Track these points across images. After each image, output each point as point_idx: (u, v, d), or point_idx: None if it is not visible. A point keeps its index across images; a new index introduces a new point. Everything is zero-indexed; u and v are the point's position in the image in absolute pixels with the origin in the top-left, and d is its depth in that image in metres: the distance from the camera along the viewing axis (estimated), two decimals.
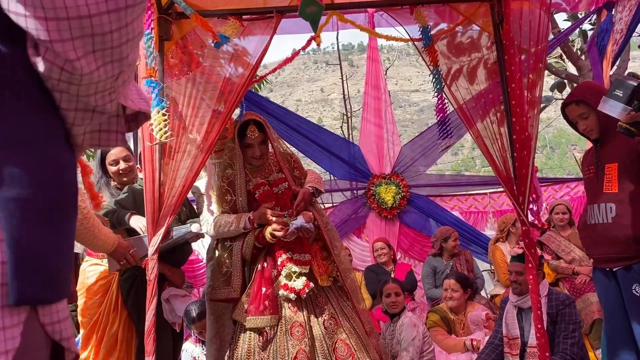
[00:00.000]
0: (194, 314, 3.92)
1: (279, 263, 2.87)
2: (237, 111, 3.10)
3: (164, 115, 2.39)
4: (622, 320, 2.60)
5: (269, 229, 2.82)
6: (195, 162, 2.58)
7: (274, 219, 2.82)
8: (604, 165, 2.66)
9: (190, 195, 3.31)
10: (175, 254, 2.94)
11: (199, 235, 3.21)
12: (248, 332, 2.82)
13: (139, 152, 3.33)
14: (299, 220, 2.79)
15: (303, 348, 2.74)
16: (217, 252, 3.06)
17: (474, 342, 3.96)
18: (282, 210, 2.91)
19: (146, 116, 0.95)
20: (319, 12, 2.27)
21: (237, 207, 2.95)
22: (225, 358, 2.94)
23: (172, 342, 3.28)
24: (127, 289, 2.99)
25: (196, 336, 3.87)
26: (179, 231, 2.84)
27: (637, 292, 2.51)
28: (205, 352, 3.52)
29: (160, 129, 2.36)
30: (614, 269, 2.61)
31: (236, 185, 2.96)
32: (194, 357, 3.87)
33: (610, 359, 2.70)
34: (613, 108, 2.28)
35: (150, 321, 2.36)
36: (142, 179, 3.00)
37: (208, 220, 3.03)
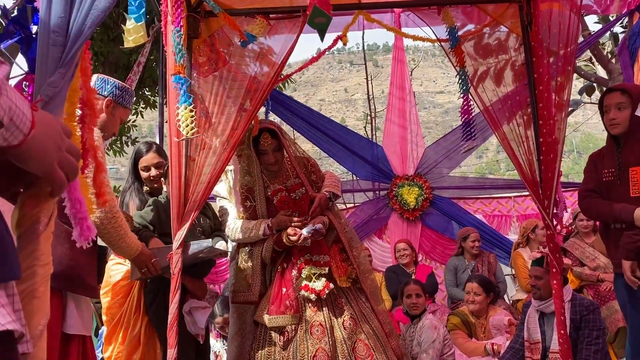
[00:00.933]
0: (217, 309, 3.97)
1: (298, 265, 2.92)
2: (263, 109, 3.12)
3: (191, 111, 2.42)
4: None
5: (285, 234, 2.90)
6: (220, 158, 2.62)
7: (290, 225, 2.89)
8: (626, 167, 2.63)
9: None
10: (197, 265, 2.91)
11: (222, 253, 3.13)
12: (269, 331, 2.87)
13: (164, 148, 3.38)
14: (309, 227, 2.85)
15: (323, 347, 2.77)
16: (238, 256, 3.12)
17: (495, 347, 3.92)
18: (300, 216, 2.96)
19: None
20: (327, 23, 2.28)
21: (257, 213, 3.03)
22: (247, 357, 2.98)
23: (198, 352, 3.24)
24: (150, 301, 2.93)
25: (217, 331, 3.93)
26: (199, 245, 2.76)
27: None
28: (226, 348, 3.56)
29: (187, 125, 2.39)
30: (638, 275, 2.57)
31: (255, 192, 3.03)
32: (215, 352, 3.93)
33: None
34: None
35: (173, 314, 2.40)
36: (165, 191, 3.04)
37: (229, 226, 3.08)
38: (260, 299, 3.01)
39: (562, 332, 2.66)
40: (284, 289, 2.93)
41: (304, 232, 2.84)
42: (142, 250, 2.45)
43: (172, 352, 2.37)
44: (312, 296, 2.84)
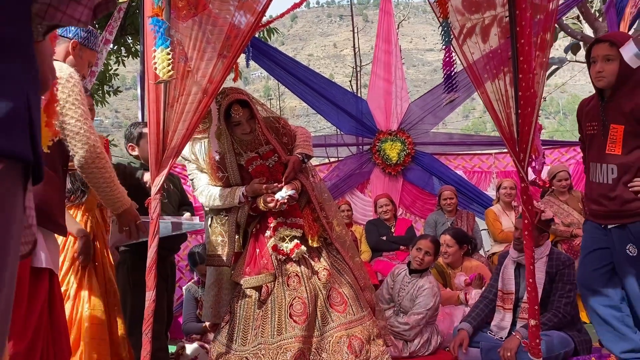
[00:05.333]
0: (197, 257, 4.04)
1: (271, 227, 3.01)
2: (243, 56, 3.08)
3: (168, 54, 2.38)
4: (607, 270, 2.66)
5: (261, 200, 2.96)
6: (200, 105, 2.59)
7: (265, 192, 2.95)
8: (608, 124, 2.64)
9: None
10: (168, 239, 2.90)
11: (193, 226, 3.15)
12: (248, 289, 2.96)
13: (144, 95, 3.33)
14: (283, 192, 2.93)
15: (299, 295, 2.87)
16: (212, 221, 3.19)
17: (467, 296, 4.05)
18: (275, 182, 3.01)
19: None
20: None
21: (229, 183, 3.07)
22: (224, 308, 3.07)
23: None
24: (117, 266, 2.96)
25: (199, 278, 4.00)
26: (182, 221, 2.82)
27: (631, 252, 2.55)
28: None
29: (164, 67, 2.36)
30: (609, 226, 2.65)
31: (227, 163, 3.05)
32: (197, 298, 4.01)
33: (588, 302, 2.77)
34: (628, 50, 2.25)
35: (152, 258, 2.43)
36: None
37: (203, 192, 3.11)
38: (237, 260, 3.12)
39: (530, 280, 2.75)
40: (258, 250, 3.03)
41: (279, 197, 2.92)
42: (132, 206, 2.40)
43: (150, 295, 2.42)
44: (280, 257, 2.94)
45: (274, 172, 3.05)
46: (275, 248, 2.96)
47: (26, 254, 0.99)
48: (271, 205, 2.94)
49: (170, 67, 2.37)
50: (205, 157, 3.12)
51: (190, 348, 3.68)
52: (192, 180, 3.24)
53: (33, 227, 0.98)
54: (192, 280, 4.14)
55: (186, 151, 3.10)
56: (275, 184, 2.99)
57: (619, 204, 2.57)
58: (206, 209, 3.29)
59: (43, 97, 1.31)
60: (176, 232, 2.98)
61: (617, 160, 2.58)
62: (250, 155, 3.06)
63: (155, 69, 2.37)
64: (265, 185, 2.97)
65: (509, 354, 3.05)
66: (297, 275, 2.95)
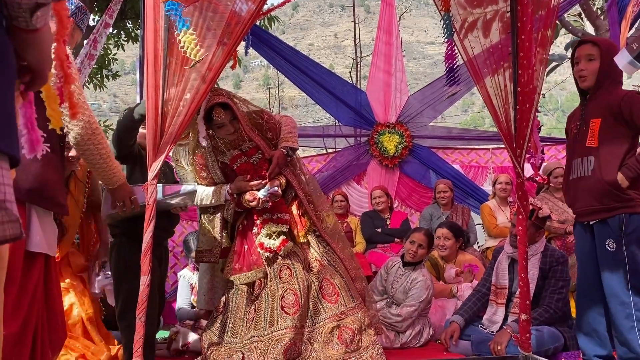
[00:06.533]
0: (192, 244, 4.05)
1: (258, 223, 3.02)
2: (243, 44, 3.07)
3: (192, 34, 2.36)
4: (594, 272, 2.70)
5: (244, 198, 2.99)
6: (197, 92, 2.59)
7: (249, 190, 2.99)
8: (588, 120, 2.70)
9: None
10: (162, 218, 2.88)
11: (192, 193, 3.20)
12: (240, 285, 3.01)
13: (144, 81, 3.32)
14: (264, 190, 2.94)
15: (291, 287, 2.89)
16: (202, 217, 3.23)
17: (460, 291, 4.08)
18: (260, 179, 3.03)
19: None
20: None
21: (214, 182, 3.11)
22: (222, 299, 3.09)
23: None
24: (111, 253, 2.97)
25: (194, 264, 4.01)
26: (184, 188, 2.84)
27: (609, 247, 2.59)
28: None
29: (192, 49, 2.33)
30: (591, 222, 2.68)
31: (209, 165, 3.07)
32: (191, 284, 4.03)
33: (579, 309, 2.81)
34: (622, 58, 2.28)
35: (147, 243, 2.44)
36: None
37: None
38: (225, 255, 3.15)
39: (522, 275, 2.78)
40: (246, 246, 3.06)
41: (260, 195, 2.94)
42: (126, 182, 2.44)
43: (145, 279, 2.43)
44: (267, 254, 2.95)
45: (258, 169, 3.06)
46: (262, 246, 2.97)
47: (12, 237, 0.98)
48: (253, 203, 2.96)
49: (199, 47, 2.35)
50: (190, 158, 3.13)
51: (183, 334, 3.69)
52: (180, 178, 3.27)
53: (9, 204, 0.96)
54: (187, 267, 4.16)
55: (171, 153, 3.12)
56: (260, 181, 3.00)
57: (597, 197, 2.61)
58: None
59: (56, 80, 1.30)
60: (168, 197, 2.92)
61: (595, 151, 2.64)
62: (234, 153, 3.07)
63: (185, 52, 2.36)
64: (251, 183, 2.99)
65: (499, 348, 3.08)
66: (288, 267, 2.97)
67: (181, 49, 2.43)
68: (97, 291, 3.34)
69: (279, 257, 2.98)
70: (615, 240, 2.58)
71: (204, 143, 3.00)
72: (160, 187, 2.69)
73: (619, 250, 2.57)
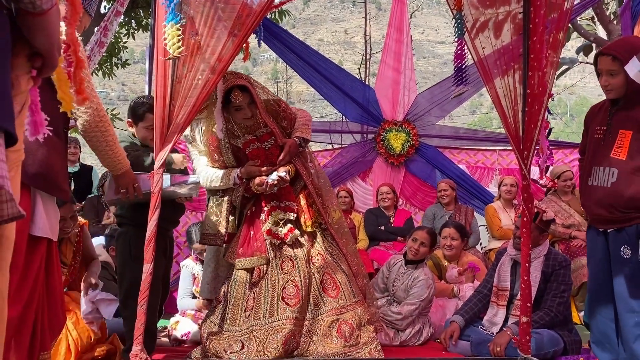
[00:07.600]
0: (194, 235, 4.06)
1: (265, 210, 3.03)
2: (254, 37, 3.07)
3: (178, 30, 2.37)
4: (605, 278, 2.68)
5: (253, 182, 2.99)
6: (207, 83, 2.59)
7: (259, 175, 2.98)
8: (617, 129, 2.63)
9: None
10: (167, 208, 2.87)
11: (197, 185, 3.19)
12: (240, 271, 3.00)
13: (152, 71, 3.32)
14: (273, 175, 2.94)
15: (292, 279, 2.90)
16: (210, 200, 3.23)
17: (461, 292, 4.08)
18: (271, 165, 3.03)
19: None
20: None
21: (226, 165, 3.11)
22: (222, 289, 3.10)
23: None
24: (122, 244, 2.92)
25: (197, 255, 4.03)
26: (187, 179, 2.82)
27: (625, 253, 2.56)
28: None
29: (174, 44, 2.35)
30: (608, 230, 2.65)
31: (221, 148, 3.08)
32: (194, 274, 4.04)
33: (590, 314, 2.80)
34: (633, 67, 2.24)
35: (152, 231, 2.45)
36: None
37: (201, 174, 3.14)
38: (230, 240, 3.15)
39: (524, 277, 2.77)
40: (252, 232, 3.07)
41: (269, 179, 2.94)
42: (130, 169, 2.45)
43: (148, 267, 2.44)
44: (275, 241, 2.95)
45: (270, 155, 3.06)
46: (269, 232, 2.98)
47: (11, 216, 0.97)
48: (261, 188, 2.96)
49: (180, 43, 2.36)
50: (203, 138, 3.13)
51: (184, 323, 3.71)
52: (193, 161, 3.27)
53: (4, 180, 0.96)
54: (190, 257, 4.17)
55: (187, 131, 3.11)
56: (270, 167, 3.00)
57: (618, 209, 2.57)
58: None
59: (66, 63, 1.30)
60: (175, 186, 2.90)
61: (620, 165, 2.58)
62: (248, 137, 3.07)
63: (165, 44, 2.37)
64: (262, 169, 2.99)
65: (498, 349, 3.08)
66: (291, 259, 2.98)
67: (163, 40, 2.43)
68: (88, 309, 3.14)
69: (284, 248, 2.99)
70: (631, 247, 2.55)
71: (220, 136, 3.01)
72: (167, 176, 2.70)
73: (634, 257, 2.54)
